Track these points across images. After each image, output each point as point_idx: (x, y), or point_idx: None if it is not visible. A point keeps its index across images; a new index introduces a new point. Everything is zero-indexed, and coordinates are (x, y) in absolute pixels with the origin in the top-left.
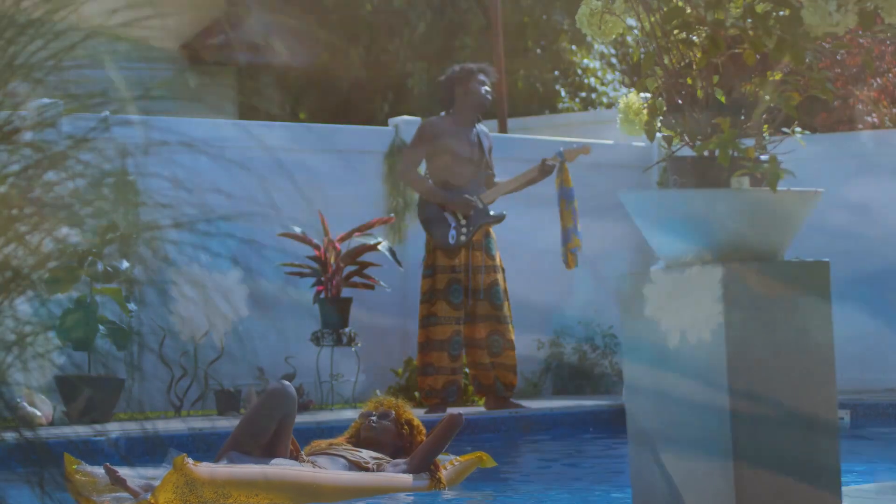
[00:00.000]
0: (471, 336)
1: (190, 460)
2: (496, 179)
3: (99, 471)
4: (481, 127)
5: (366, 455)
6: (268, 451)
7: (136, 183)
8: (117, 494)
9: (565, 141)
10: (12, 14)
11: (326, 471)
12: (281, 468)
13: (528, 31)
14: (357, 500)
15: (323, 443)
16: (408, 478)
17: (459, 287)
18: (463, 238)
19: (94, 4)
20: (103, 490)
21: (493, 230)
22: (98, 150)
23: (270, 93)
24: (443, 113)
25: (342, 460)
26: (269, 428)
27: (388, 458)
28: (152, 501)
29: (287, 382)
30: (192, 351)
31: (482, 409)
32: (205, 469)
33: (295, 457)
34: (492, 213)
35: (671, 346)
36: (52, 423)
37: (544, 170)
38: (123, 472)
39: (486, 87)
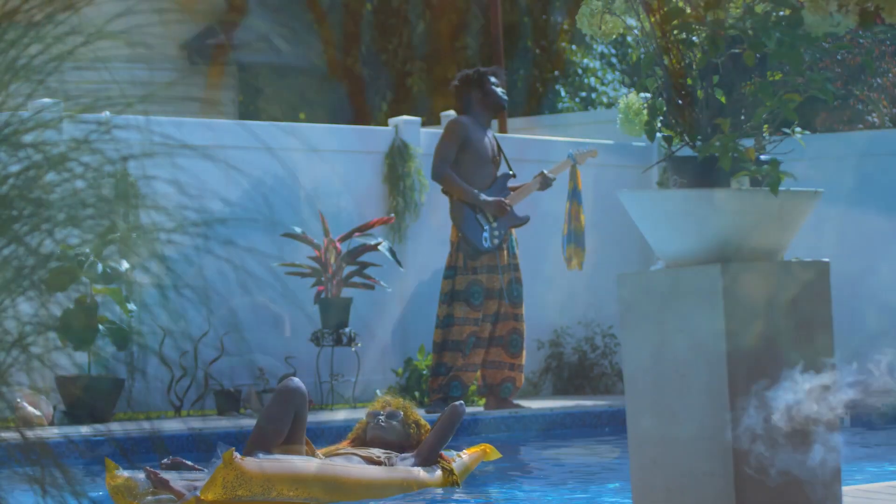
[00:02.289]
0: (492, 334)
1: (238, 455)
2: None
3: (139, 474)
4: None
5: (376, 451)
6: (285, 450)
7: (137, 185)
8: (159, 497)
9: (565, 141)
10: (14, 16)
11: (362, 467)
12: (324, 463)
13: (528, 31)
14: (382, 495)
15: (331, 448)
16: (422, 470)
17: (480, 289)
18: (496, 241)
19: (95, 7)
20: (144, 493)
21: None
22: (99, 151)
23: (270, 93)
24: (448, 112)
25: (356, 458)
26: (285, 425)
27: (396, 453)
28: (202, 497)
29: (296, 378)
30: (192, 351)
31: (482, 408)
32: (253, 463)
33: (311, 455)
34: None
35: (671, 346)
36: (52, 423)
37: (545, 183)
38: (164, 473)
39: (502, 88)
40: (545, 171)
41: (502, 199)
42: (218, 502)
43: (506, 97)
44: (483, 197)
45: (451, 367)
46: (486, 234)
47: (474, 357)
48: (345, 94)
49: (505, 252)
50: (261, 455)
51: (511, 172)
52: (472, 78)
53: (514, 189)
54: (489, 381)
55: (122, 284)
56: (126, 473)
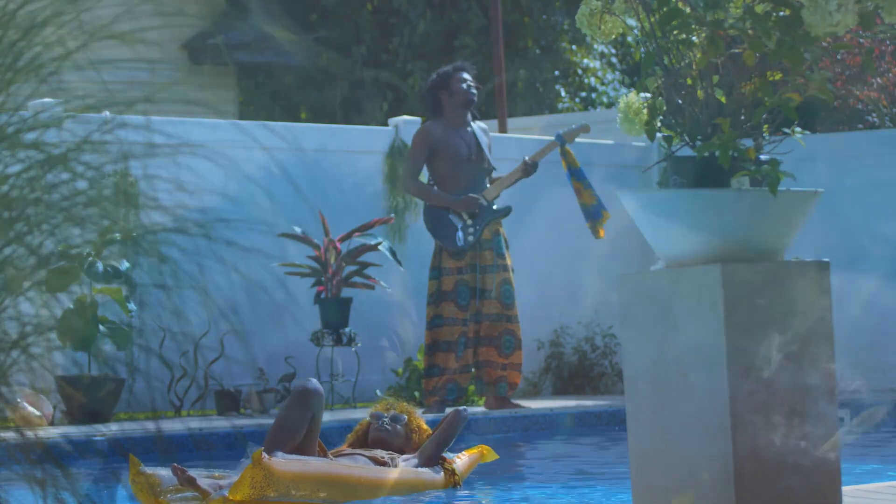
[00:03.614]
0: (480, 334)
1: (266, 455)
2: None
3: (163, 471)
4: (479, 124)
5: (379, 453)
6: (299, 450)
7: (137, 184)
8: (184, 494)
9: None
10: (16, 16)
11: (377, 468)
12: (345, 465)
13: (528, 31)
14: (393, 495)
15: (334, 451)
16: (428, 471)
17: (466, 288)
18: (471, 238)
19: (96, 8)
20: (168, 491)
21: (504, 229)
22: (100, 151)
23: (270, 93)
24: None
25: (362, 459)
26: (303, 426)
27: (397, 455)
28: (230, 497)
29: (314, 380)
30: (192, 351)
31: (482, 408)
32: (281, 463)
33: (323, 457)
34: (495, 207)
35: (671, 346)
36: (52, 423)
37: (527, 169)
38: (191, 471)
39: (469, 83)
40: (526, 158)
41: (471, 195)
42: (245, 502)
43: (474, 91)
44: (451, 197)
45: (444, 369)
46: (459, 234)
47: (467, 358)
48: (345, 94)
49: (490, 252)
50: (281, 455)
51: (493, 167)
52: (436, 82)
53: (493, 182)
54: (484, 379)
55: (122, 284)
56: (150, 470)
